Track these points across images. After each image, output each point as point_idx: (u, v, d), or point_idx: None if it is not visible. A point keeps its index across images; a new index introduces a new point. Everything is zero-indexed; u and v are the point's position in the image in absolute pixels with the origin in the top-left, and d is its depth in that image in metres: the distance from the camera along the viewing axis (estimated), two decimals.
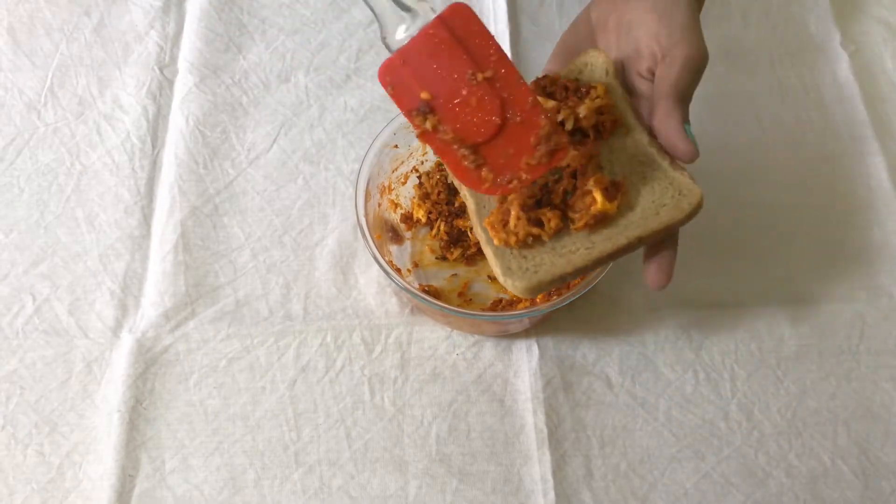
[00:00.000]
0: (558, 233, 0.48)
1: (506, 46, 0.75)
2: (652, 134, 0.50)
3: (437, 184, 0.64)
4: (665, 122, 0.48)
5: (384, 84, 0.46)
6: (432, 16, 0.45)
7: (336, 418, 0.59)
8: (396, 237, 0.65)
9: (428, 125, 0.46)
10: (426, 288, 0.62)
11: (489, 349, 0.61)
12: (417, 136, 0.47)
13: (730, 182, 0.69)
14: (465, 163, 0.46)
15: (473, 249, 0.64)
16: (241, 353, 0.61)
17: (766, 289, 0.64)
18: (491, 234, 0.48)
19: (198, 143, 0.70)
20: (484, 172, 0.46)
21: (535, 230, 0.48)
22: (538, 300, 0.58)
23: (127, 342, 0.61)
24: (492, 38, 0.45)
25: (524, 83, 0.46)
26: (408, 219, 0.66)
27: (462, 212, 0.64)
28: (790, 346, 0.62)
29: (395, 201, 0.66)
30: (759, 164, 0.70)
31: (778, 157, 0.71)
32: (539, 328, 0.62)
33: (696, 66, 0.49)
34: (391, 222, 0.65)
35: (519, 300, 0.61)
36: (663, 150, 0.50)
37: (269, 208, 0.68)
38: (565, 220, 0.48)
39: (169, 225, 0.66)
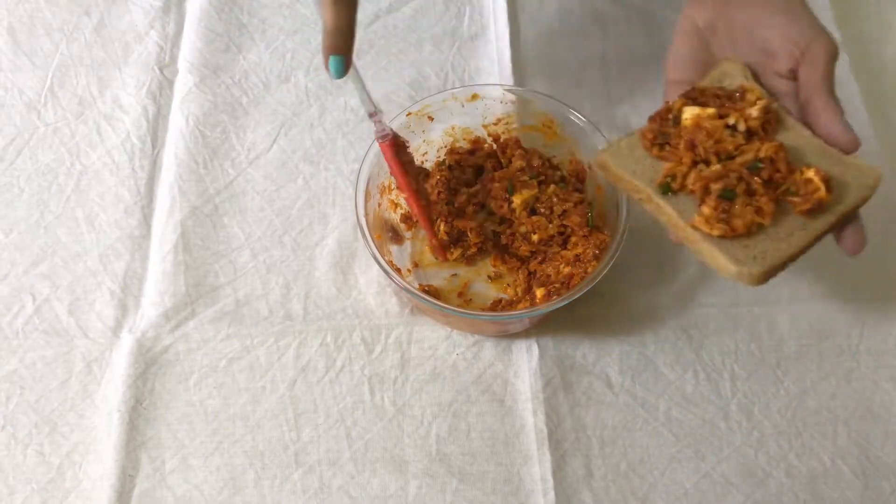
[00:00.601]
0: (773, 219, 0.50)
1: (506, 46, 0.75)
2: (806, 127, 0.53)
3: (437, 184, 0.64)
4: (827, 116, 0.52)
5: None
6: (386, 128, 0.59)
7: (336, 418, 0.59)
8: (396, 237, 0.65)
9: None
10: (426, 288, 0.62)
11: (489, 349, 0.61)
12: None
13: None
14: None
15: (474, 249, 0.64)
16: (241, 353, 0.61)
17: (766, 289, 0.64)
18: (707, 229, 0.50)
19: (198, 143, 0.70)
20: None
21: (757, 217, 0.50)
22: (539, 300, 0.58)
23: (127, 342, 0.61)
24: (396, 174, 0.59)
25: (421, 212, 0.61)
26: (408, 219, 0.66)
27: (461, 212, 0.64)
28: (790, 346, 0.62)
29: (395, 201, 0.66)
30: None
31: None
32: (539, 328, 0.62)
33: (834, 60, 0.53)
34: (391, 222, 0.65)
35: (519, 300, 0.61)
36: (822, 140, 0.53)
37: (269, 208, 0.68)
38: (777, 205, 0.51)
39: (169, 225, 0.66)
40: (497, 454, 0.58)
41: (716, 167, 0.51)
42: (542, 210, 0.62)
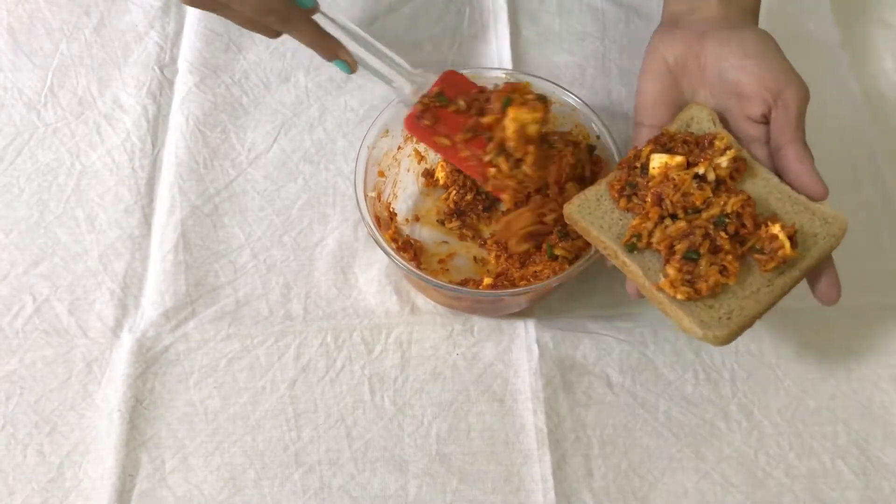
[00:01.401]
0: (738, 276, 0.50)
1: (506, 46, 0.75)
2: (775, 173, 0.54)
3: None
4: (799, 166, 0.52)
5: (409, 130, 0.60)
6: (433, 78, 0.60)
7: (336, 418, 0.59)
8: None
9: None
10: (411, 241, 0.64)
11: (489, 349, 0.61)
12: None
13: None
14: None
15: (471, 231, 0.65)
16: (241, 353, 0.61)
17: None
18: (671, 292, 0.50)
19: (198, 143, 0.70)
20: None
21: (721, 277, 0.50)
22: (483, 286, 0.60)
23: (127, 342, 0.61)
24: (427, 142, 0.59)
25: (464, 163, 0.58)
26: (429, 174, 0.67)
27: (478, 189, 0.65)
28: (790, 346, 0.62)
29: (422, 153, 0.67)
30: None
31: None
32: (539, 327, 0.62)
33: (806, 104, 0.53)
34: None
35: (482, 281, 0.61)
36: (790, 186, 0.53)
37: (269, 208, 0.68)
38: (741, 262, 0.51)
39: (169, 225, 0.66)
40: (497, 454, 0.58)
41: (681, 224, 0.51)
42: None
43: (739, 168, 0.53)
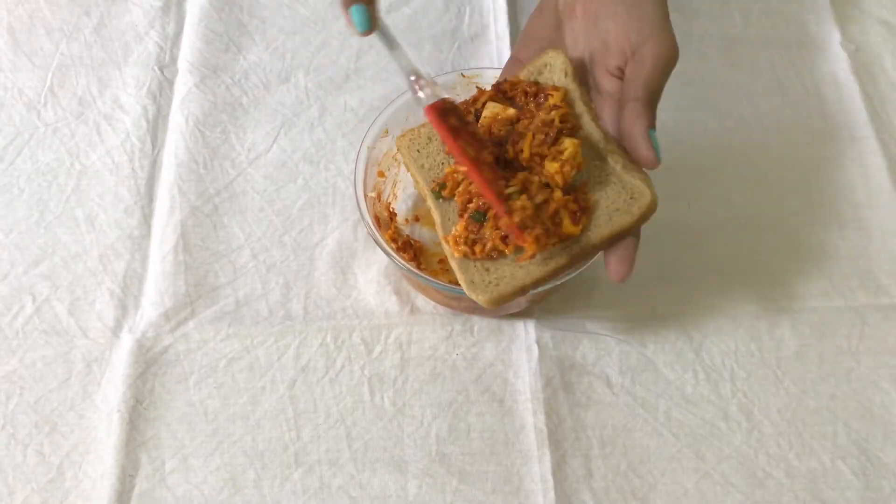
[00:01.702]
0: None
1: (506, 46, 0.75)
2: (608, 135, 0.51)
3: None
4: (631, 126, 0.47)
5: (430, 119, 0.50)
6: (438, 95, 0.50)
7: (336, 418, 0.59)
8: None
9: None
10: (411, 241, 0.63)
11: (489, 349, 0.61)
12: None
13: (729, 182, 0.69)
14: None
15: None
16: (241, 353, 0.61)
17: (766, 289, 0.64)
18: (452, 247, 0.50)
19: (198, 143, 0.70)
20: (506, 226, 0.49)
21: (500, 245, 0.49)
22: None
23: (127, 342, 0.61)
24: (448, 142, 0.48)
25: (485, 186, 0.48)
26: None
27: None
28: (790, 346, 0.62)
29: None
30: (758, 165, 0.70)
31: (777, 158, 0.71)
32: (539, 327, 0.62)
33: (667, 66, 0.48)
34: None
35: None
36: (621, 150, 0.50)
37: (269, 208, 0.68)
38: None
39: (169, 225, 0.66)
40: (497, 454, 0.58)
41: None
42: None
43: (564, 131, 0.50)
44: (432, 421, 0.59)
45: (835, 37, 0.77)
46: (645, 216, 0.49)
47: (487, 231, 0.49)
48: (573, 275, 0.55)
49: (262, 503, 0.56)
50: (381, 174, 0.64)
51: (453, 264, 0.51)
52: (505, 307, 0.61)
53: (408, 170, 0.55)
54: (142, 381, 0.60)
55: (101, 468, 0.57)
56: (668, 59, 0.48)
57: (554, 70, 0.53)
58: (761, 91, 0.74)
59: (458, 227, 0.50)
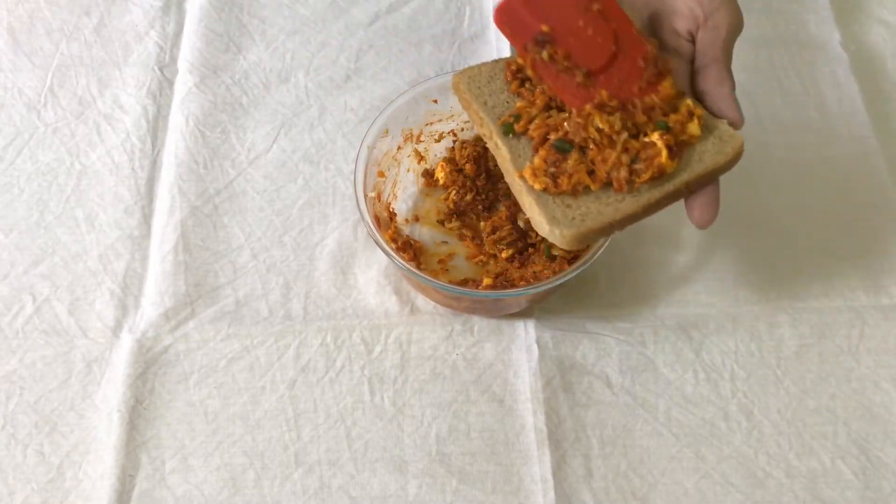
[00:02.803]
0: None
1: (506, 46, 0.75)
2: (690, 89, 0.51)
3: (468, 156, 0.65)
4: (718, 87, 0.50)
5: (500, 23, 0.49)
6: None
7: (336, 418, 0.59)
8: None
9: (545, 55, 0.49)
10: (411, 241, 0.64)
11: (489, 349, 0.61)
12: (531, 68, 0.49)
13: (729, 182, 0.69)
14: (581, 89, 0.49)
15: (471, 231, 0.65)
16: (241, 353, 0.61)
17: (766, 289, 0.64)
18: (531, 180, 0.47)
19: (198, 143, 0.70)
20: (597, 94, 0.49)
21: (586, 179, 0.47)
22: (482, 287, 0.59)
23: (127, 342, 0.61)
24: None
25: (627, 16, 0.49)
26: (429, 175, 0.67)
27: (478, 189, 0.65)
28: (790, 346, 0.62)
29: (422, 154, 0.67)
30: (758, 165, 0.70)
31: (778, 157, 0.71)
32: (539, 327, 0.62)
33: (737, 33, 0.51)
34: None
35: (481, 281, 0.61)
36: (696, 102, 0.51)
37: (269, 208, 0.68)
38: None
39: (169, 225, 0.66)
40: (497, 454, 0.58)
41: (564, 115, 0.48)
42: None
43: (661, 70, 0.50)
44: (432, 421, 0.59)
45: (835, 37, 0.77)
46: (735, 159, 0.49)
47: (571, 163, 0.47)
48: (573, 274, 0.55)
49: (262, 503, 0.56)
50: (381, 174, 0.64)
51: (529, 201, 0.48)
52: (507, 307, 0.61)
53: (466, 109, 0.52)
54: (142, 381, 0.60)
55: (101, 468, 0.57)
56: (739, 26, 0.51)
57: None
58: (761, 91, 0.74)
59: (536, 159, 0.48)
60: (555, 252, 0.60)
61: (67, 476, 0.57)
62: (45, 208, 0.67)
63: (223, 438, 0.58)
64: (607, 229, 0.47)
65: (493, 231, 0.63)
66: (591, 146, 0.48)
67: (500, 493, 0.56)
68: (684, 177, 0.48)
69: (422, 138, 0.66)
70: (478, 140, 0.67)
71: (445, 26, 0.78)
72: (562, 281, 0.55)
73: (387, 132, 0.62)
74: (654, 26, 0.54)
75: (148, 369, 0.60)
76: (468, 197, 0.65)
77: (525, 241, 0.63)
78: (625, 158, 0.48)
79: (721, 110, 0.50)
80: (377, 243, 0.57)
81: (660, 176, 0.47)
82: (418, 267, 0.62)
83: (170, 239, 0.65)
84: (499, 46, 0.76)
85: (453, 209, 0.65)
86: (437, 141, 0.67)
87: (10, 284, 0.64)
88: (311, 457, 0.57)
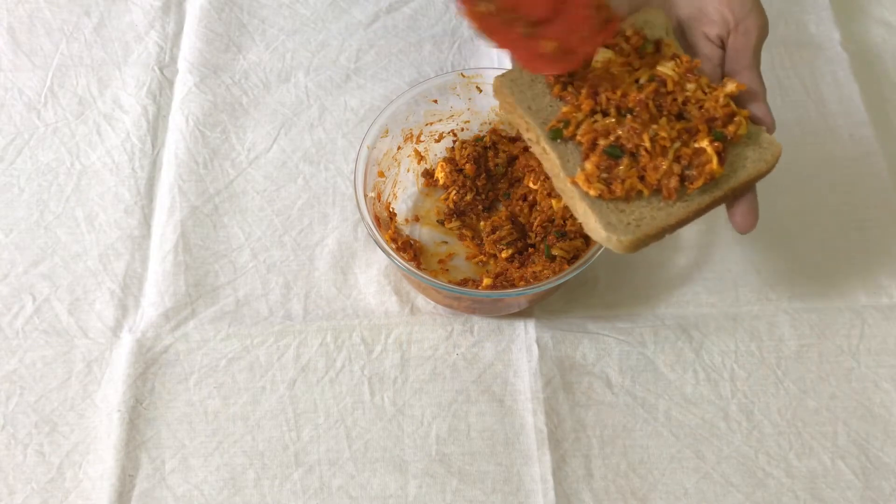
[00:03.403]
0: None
1: None
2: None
3: (467, 157, 0.65)
4: (752, 93, 0.51)
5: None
6: None
7: (336, 418, 0.59)
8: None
9: (487, 7, 0.47)
10: (411, 241, 0.64)
11: (489, 349, 0.61)
12: (475, 24, 0.48)
13: None
14: (526, 40, 0.48)
15: (471, 231, 0.65)
16: (241, 353, 0.61)
17: (766, 289, 0.64)
18: (585, 186, 0.48)
19: (198, 143, 0.70)
20: (543, 45, 0.48)
21: (638, 184, 0.48)
22: (482, 287, 0.60)
23: (127, 342, 0.61)
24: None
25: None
26: (429, 175, 0.67)
27: (477, 189, 0.65)
28: (790, 346, 0.62)
29: (422, 154, 0.67)
30: None
31: None
32: (539, 327, 0.62)
33: (765, 38, 0.52)
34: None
35: (481, 281, 0.61)
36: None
37: (269, 208, 0.68)
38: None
39: (169, 225, 0.66)
40: (497, 454, 0.58)
41: (611, 121, 0.49)
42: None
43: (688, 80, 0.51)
44: (432, 421, 0.59)
45: (835, 37, 0.77)
46: (774, 164, 0.50)
47: (623, 169, 0.48)
48: (573, 274, 0.55)
49: (262, 503, 0.56)
50: (381, 174, 0.64)
51: (582, 207, 0.48)
52: (507, 307, 0.61)
53: (509, 113, 0.52)
54: (142, 381, 0.60)
55: (101, 468, 0.57)
56: (767, 31, 0.53)
57: (655, 27, 0.53)
58: None
59: (588, 165, 0.48)
60: (554, 252, 0.60)
61: (67, 476, 0.57)
62: (45, 208, 0.67)
63: (223, 438, 0.58)
64: (661, 234, 0.48)
65: (493, 231, 0.63)
66: (643, 153, 0.48)
67: (500, 493, 0.56)
68: (731, 183, 0.49)
69: (422, 138, 0.66)
70: (478, 140, 0.67)
71: (445, 26, 0.78)
72: (562, 281, 0.55)
73: (387, 132, 0.62)
74: (685, 31, 0.55)
75: (148, 369, 0.60)
76: (468, 197, 0.65)
77: (525, 241, 0.63)
78: (676, 168, 0.48)
79: (755, 117, 0.51)
80: (377, 243, 0.57)
81: (710, 182, 0.48)
82: (418, 267, 0.62)
83: (170, 239, 0.65)
84: None
85: (453, 209, 0.65)
86: (437, 141, 0.67)
87: (10, 284, 0.64)
88: (311, 457, 0.57)
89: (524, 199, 0.64)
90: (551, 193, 0.62)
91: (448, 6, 0.79)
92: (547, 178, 0.62)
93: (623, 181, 0.48)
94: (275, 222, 0.67)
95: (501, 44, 0.48)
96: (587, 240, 0.61)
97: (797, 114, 0.73)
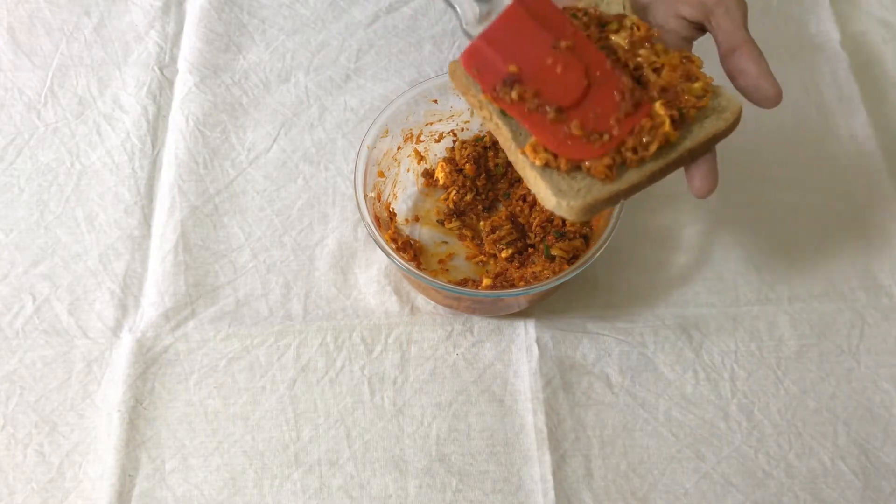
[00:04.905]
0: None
1: None
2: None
3: (467, 157, 0.65)
4: (756, 65, 0.50)
5: (468, 67, 0.49)
6: (507, 1, 0.49)
7: (336, 418, 0.59)
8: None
9: (514, 95, 0.48)
10: (411, 241, 0.64)
11: (489, 349, 0.61)
12: (505, 110, 0.49)
13: (729, 182, 0.69)
14: (554, 125, 0.48)
15: (471, 231, 0.65)
16: (241, 353, 0.61)
17: (766, 289, 0.64)
18: (531, 156, 0.48)
19: (198, 143, 0.70)
20: (573, 129, 0.48)
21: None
22: (482, 287, 0.60)
23: (127, 342, 0.61)
24: (565, 13, 0.49)
25: (598, 50, 0.49)
26: (429, 175, 0.67)
27: (477, 189, 0.65)
28: (790, 346, 0.62)
29: (422, 154, 0.67)
30: (758, 164, 0.70)
31: (777, 157, 0.70)
32: (539, 327, 0.62)
33: (747, 12, 0.52)
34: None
35: (481, 281, 0.61)
36: (742, 90, 0.51)
37: (269, 208, 0.68)
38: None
39: (169, 225, 0.66)
40: (497, 454, 0.58)
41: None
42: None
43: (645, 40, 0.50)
44: (432, 421, 0.59)
45: (835, 37, 0.77)
46: (734, 125, 0.49)
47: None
48: (573, 274, 0.55)
49: (262, 503, 0.56)
50: (381, 174, 0.64)
51: (533, 175, 0.48)
52: (507, 307, 0.61)
53: (464, 94, 0.52)
54: (142, 381, 0.60)
55: (101, 468, 0.57)
56: (746, 6, 0.52)
57: (611, 4, 0.53)
58: None
59: (533, 137, 0.48)
60: (554, 252, 0.60)
61: (67, 476, 0.57)
62: (45, 208, 0.67)
63: (223, 438, 0.58)
64: (613, 199, 0.47)
65: (493, 231, 0.63)
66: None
67: (500, 493, 0.56)
68: (687, 144, 0.48)
69: (422, 138, 0.66)
70: (478, 140, 0.67)
71: (445, 26, 0.78)
72: (561, 281, 0.55)
73: (387, 132, 0.62)
74: (652, 13, 0.54)
75: (148, 369, 0.60)
76: (468, 197, 0.65)
77: (524, 241, 0.63)
78: (631, 142, 0.48)
79: (761, 87, 0.50)
80: (377, 243, 0.57)
81: (665, 145, 0.48)
82: (418, 267, 0.62)
83: (170, 239, 0.65)
84: None
85: (453, 209, 0.65)
86: (437, 141, 0.67)
87: (10, 284, 0.64)
88: (311, 457, 0.57)
89: (524, 199, 0.64)
90: None
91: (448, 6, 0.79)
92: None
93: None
94: (275, 222, 0.67)
95: (530, 128, 0.49)
96: (587, 240, 0.62)
97: (797, 114, 0.73)
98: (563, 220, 0.62)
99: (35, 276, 0.64)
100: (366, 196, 0.59)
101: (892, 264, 0.65)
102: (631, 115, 0.48)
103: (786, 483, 0.57)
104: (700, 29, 0.53)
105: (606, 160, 0.47)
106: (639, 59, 0.50)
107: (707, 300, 0.64)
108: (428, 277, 0.56)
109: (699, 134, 0.48)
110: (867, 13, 0.79)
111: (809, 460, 0.57)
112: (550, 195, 0.47)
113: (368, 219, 0.57)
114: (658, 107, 0.47)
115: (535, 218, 0.63)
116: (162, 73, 0.74)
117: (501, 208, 0.65)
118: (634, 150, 0.47)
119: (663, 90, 0.48)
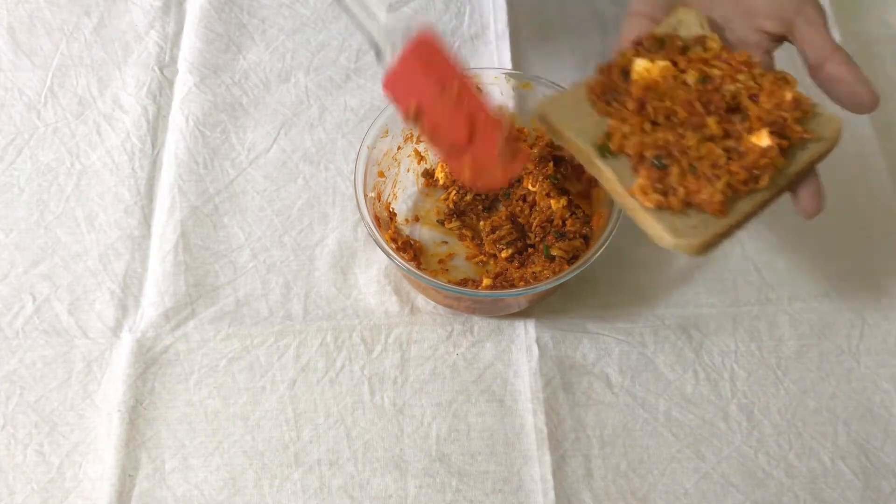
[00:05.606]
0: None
1: (505, 46, 0.75)
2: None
3: None
4: (852, 73, 0.49)
5: (386, 90, 0.53)
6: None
7: (336, 418, 0.59)
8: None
9: (421, 125, 0.52)
10: (411, 241, 0.64)
11: (489, 349, 0.61)
12: (420, 135, 0.53)
13: None
14: (449, 157, 0.53)
15: (471, 231, 0.65)
16: (241, 353, 0.61)
17: (766, 289, 0.64)
18: (641, 198, 0.47)
19: (198, 143, 0.70)
20: (463, 164, 0.52)
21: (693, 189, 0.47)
22: (481, 287, 0.60)
23: (127, 342, 0.61)
24: (451, 61, 0.52)
25: (482, 102, 0.52)
26: (429, 175, 0.67)
27: (475, 206, 0.65)
28: (790, 346, 0.62)
29: (422, 154, 0.67)
30: None
31: None
32: (539, 327, 0.62)
33: (826, 19, 0.52)
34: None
35: (481, 281, 0.61)
36: (838, 100, 0.50)
37: (269, 208, 0.68)
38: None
39: (169, 225, 0.66)
40: (497, 454, 0.58)
41: (659, 133, 0.48)
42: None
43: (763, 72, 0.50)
44: (432, 421, 0.59)
45: (835, 37, 0.77)
46: (836, 142, 0.48)
47: (674, 178, 0.47)
48: (573, 274, 0.55)
49: (262, 503, 0.56)
50: (381, 174, 0.64)
51: (645, 217, 0.47)
52: (507, 307, 0.61)
53: (558, 137, 0.51)
54: (142, 381, 0.60)
55: (101, 468, 0.57)
56: (824, 12, 0.52)
57: (690, 26, 0.52)
58: None
59: (641, 178, 0.47)
60: (554, 252, 0.60)
61: (67, 476, 0.57)
62: (45, 208, 0.67)
63: (223, 438, 0.58)
64: (730, 231, 0.47)
65: (493, 231, 0.63)
66: (693, 157, 0.47)
67: (500, 493, 0.56)
68: (793, 168, 0.47)
69: (422, 138, 0.66)
70: None
71: (445, 26, 0.78)
72: (561, 281, 0.55)
73: (387, 132, 0.62)
74: (730, 28, 0.53)
75: (148, 369, 0.60)
76: (468, 197, 0.65)
77: (524, 241, 0.63)
78: (742, 175, 0.47)
79: (857, 93, 0.50)
80: (377, 243, 0.57)
81: (775, 172, 0.47)
82: (418, 267, 0.62)
83: (170, 239, 0.65)
84: (499, 47, 0.75)
85: (453, 209, 0.65)
86: None
87: (10, 284, 0.64)
88: (311, 457, 0.57)
89: (524, 199, 0.64)
90: (550, 194, 0.62)
91: (448, 6, 0.79)
92: (545, 178, 0.62)
93: (677, 192, 0.47)
94: (275, 222, 0.67)
95: (437, 154, 0.53)
96: (587, 240, 0.61)
97: None
98: (563, 220, 0.62)
99: (35, 276, 0.64)
100: (366, 196, 0.59)
101: (892, 264, 0.65)
102: (509, 163, 0.52)
103: (786, 483, 0.57)
104: (779, 40, 0.53)
105: (719, 196, 0.46)
106: (738, 84, 0.49)
107: (707, 300, 0.64)
108: (428, 277, 0.56)
109: (803, 157, 0.48)
110: (867, 13, 0.79)
111: (809, 460, 0.57)
112: (667, 235, 0.46)
113: (368, 219, 0.57)
114: (764, 136, 0.47)
115: (534, 218, 0.63)
116: (162, 73, 0.74)
117: (501, 208, 0.65)
118: (745, 183, 0.47)
119: (763, 119, 0.48)
